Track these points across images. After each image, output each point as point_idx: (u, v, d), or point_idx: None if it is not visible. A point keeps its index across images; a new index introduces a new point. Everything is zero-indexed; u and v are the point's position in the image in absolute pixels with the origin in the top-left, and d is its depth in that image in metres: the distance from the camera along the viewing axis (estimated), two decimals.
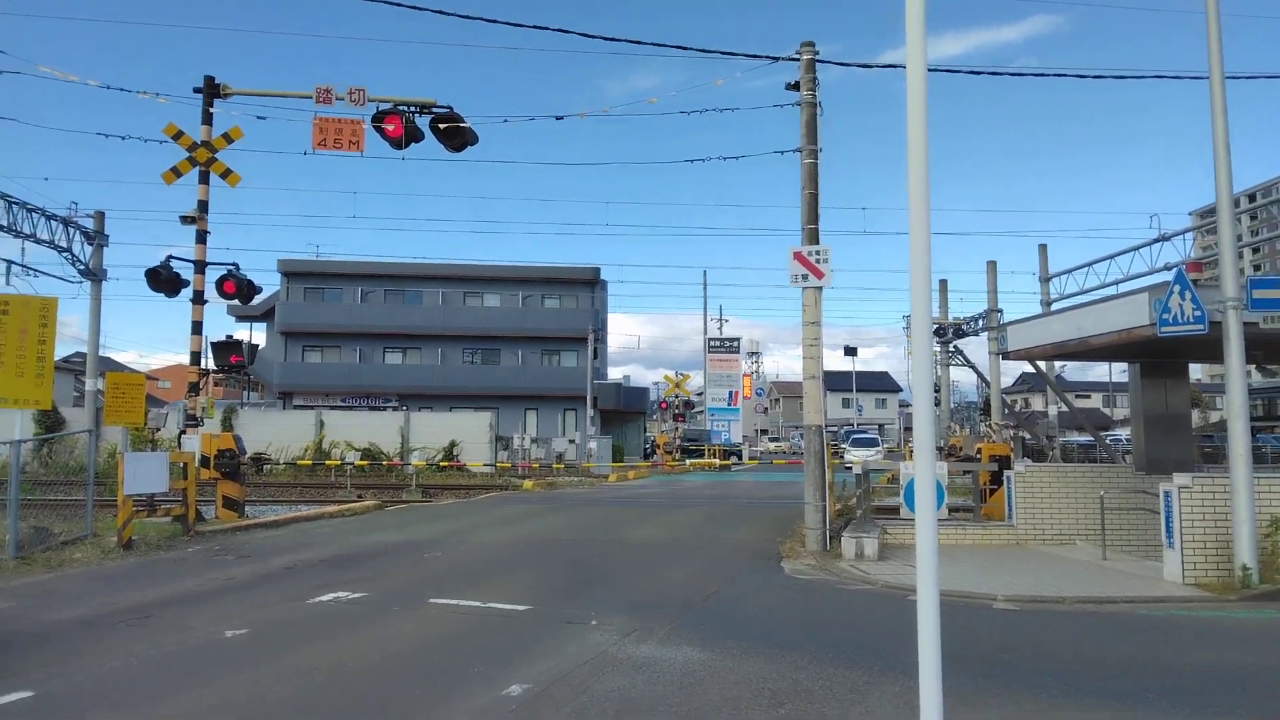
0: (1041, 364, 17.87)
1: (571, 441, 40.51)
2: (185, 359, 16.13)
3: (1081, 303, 14.29)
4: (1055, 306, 24.12)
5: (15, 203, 19.97)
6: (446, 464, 31.15)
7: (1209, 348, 10.08)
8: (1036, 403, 66.91)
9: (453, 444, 32.39)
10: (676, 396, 46.54)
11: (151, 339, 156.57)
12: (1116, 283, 21.13)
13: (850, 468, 19.32)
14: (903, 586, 9.38)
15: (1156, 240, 20.14)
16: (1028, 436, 32.72)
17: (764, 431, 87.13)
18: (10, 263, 21.24)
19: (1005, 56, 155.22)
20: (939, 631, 3.38)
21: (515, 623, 7.71)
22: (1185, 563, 9.53)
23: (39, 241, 21.15)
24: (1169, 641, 7.53)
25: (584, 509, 19.08)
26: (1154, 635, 7.73)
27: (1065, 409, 31.78)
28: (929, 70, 3.65)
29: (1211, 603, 8.87)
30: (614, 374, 54.91)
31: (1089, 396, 74.11)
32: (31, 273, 21.94)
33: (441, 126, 14.95)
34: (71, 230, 22.49)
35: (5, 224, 19.58)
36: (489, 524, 15.80)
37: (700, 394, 55.04)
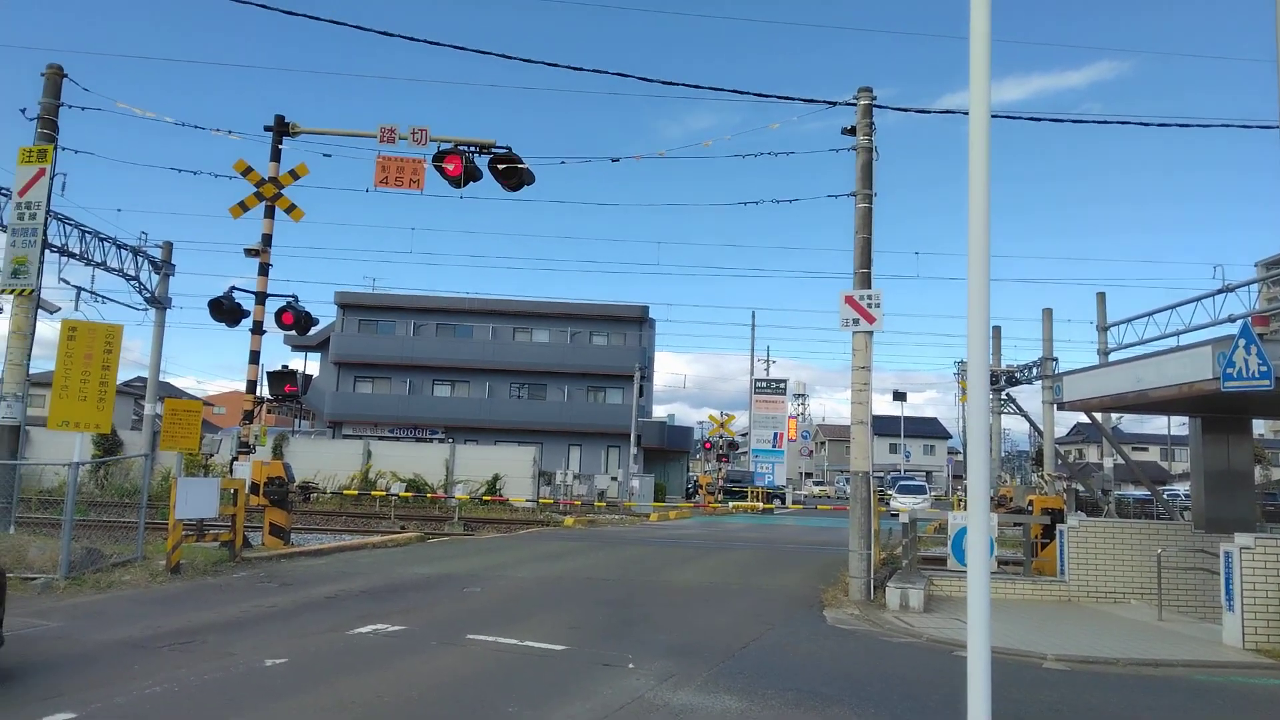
0: (1098, 415, 17.44)
1: (614, 479, 40.42)
2: (241, 386, 16.50)
3: (1141, 354, 13.96)
4: (1113, 356, 23.59)
5: (88, 232, 20.73)
6: (489, 498, 31.26)
7: (1274, 404, 9.77)
8: (1091, 454, 65.20)
9: (496, 477, 32.52)
10: (721, 437, 46.27)
11: (210, 365, 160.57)
12: (1178, 334, 20.64)
13: (896, 515, 18.97)
14: (949, 641, 9.13)
15: (1220, 291, 19.64)
16: (1081, 489, 31.85)
17: (808, 475, 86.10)
18: (80, 289, 22.01)
19: (1068, 102, 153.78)
20: (989, 691, 3.27)
21: (552, 662, 7.65)
22: (1246, 627, 9.15)
23: (109, 270, 21.89)
24: (1228, 710, 7.21)
25: (625, 548, 18.97)
26: (1212, 703, 7.41)
27: (1121, 462, 30.91)
28: (992, 116, 3.63)
29: (1273, 670, 8.48)
30: (659, 412, 54.91)
31: (1146, 449, 72.10)
32: (100, 299, 22.71)
33: (500, 167, 15.22)
34: (140, 259, 23.25)
35: (77, 252, 20.31)
36: (529, 560, 15.79)
37: (745, 435, 54.68)
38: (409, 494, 30.67)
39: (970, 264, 3.45)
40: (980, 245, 3.44)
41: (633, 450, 42.56)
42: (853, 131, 13.26)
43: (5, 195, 16.64)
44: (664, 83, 13.94)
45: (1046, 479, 30.45)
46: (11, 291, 14.05)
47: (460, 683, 6.83)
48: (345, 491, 31.05)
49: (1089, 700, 7.23)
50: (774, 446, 50.09)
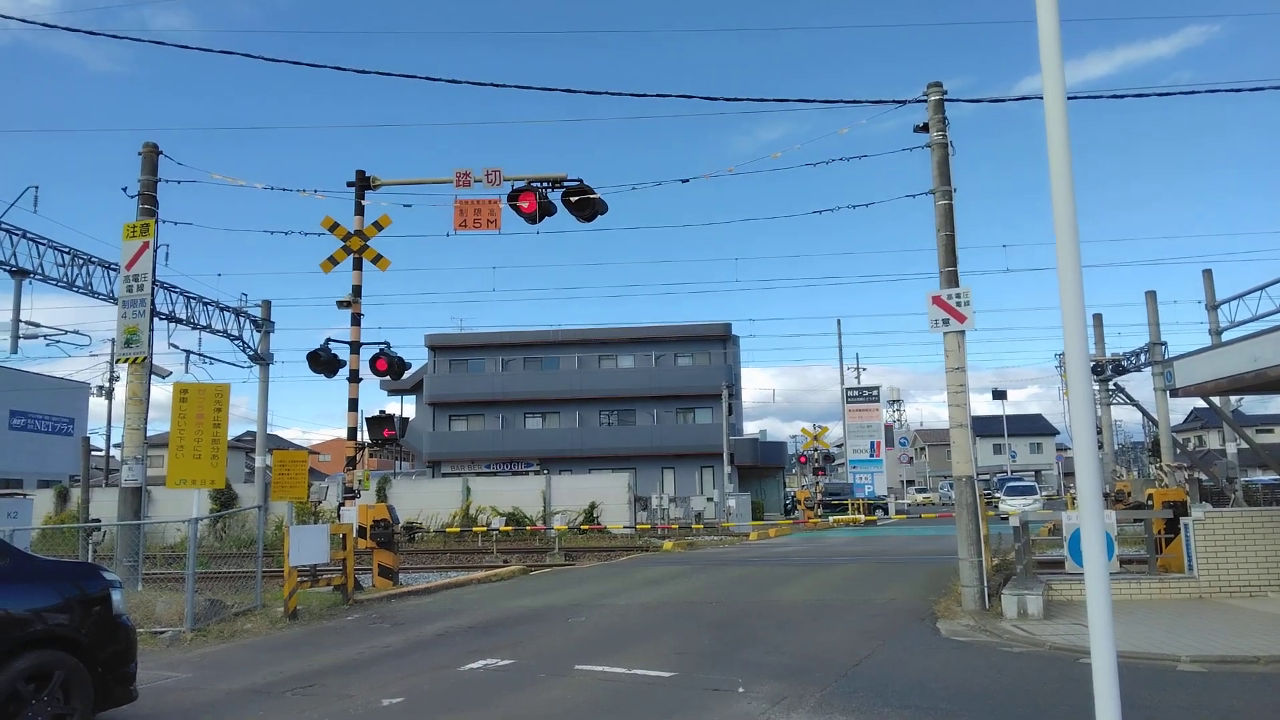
0: (1216, 399, 16.54)
1: (710, 500, 40.17)
2: (343, 433, 17.02)
3: (1257, 330, 13.18)
4: (1226, 335, 22.40)
5: (193, 297, 21.85)
6: (587, 526, 31.44)
7: None
8: (1212, 440, 61.80)
9: (592, 506, 32.71)
10: (815, 449, 45.51)
11: (313, 415, 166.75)
12: None
13: (1006, 518, 18.29)
14: (1073, 648, 8.72)
15: None
16: (1204, 478, 30.12)
17: (909, 482, 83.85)
18: (189, 352, 23.21)
19: (1157, 72, 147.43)
20: (1118, 697, 3.10)
21: (660, 690, 7.60)
22: None
23: (214, 331, 23.00)
24: None
25: (726, 569, 18.79)
26: None
27: (1245, 446, 29.19)
28: (1069, 99, 3.51)
29: None
30: (750, 429, 54.43)
31: (1272, 430, 67.92)
32: (207, 360, 23.88)
33: (573, 199, 15.41)
34: (242, 319, 24.37)
35: (184, 317, 21.41)
36: (631, 587, 15.78)
37: (840, 446, 53.63)
38: (509, 528, 31.10)
39: (1059, 251, 3.32)
40: (1068, 231, 3.31)
41: (726, 469, 42.26)
42: (925, 129, 12.99)
43: (115, 270, 17.67)
44: (727, 99, 13.90)
45: (1165, 470, 28.95)
46: (126, 360, 14.86)
47: (570, 713, 6.85)
48: (448, 529, 31.68)
49: (1229, 702, 6.80)
50: (871, 456, 48.98)
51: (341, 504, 16.64)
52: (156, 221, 15.11)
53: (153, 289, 15.11)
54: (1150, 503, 16.11)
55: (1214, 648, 8.60)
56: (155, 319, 16.46)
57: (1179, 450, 34.98)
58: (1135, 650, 8.45)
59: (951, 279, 12.49)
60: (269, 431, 30.05)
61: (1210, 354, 13.13)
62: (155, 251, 15.00)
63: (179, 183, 15.71)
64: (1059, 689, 7.28)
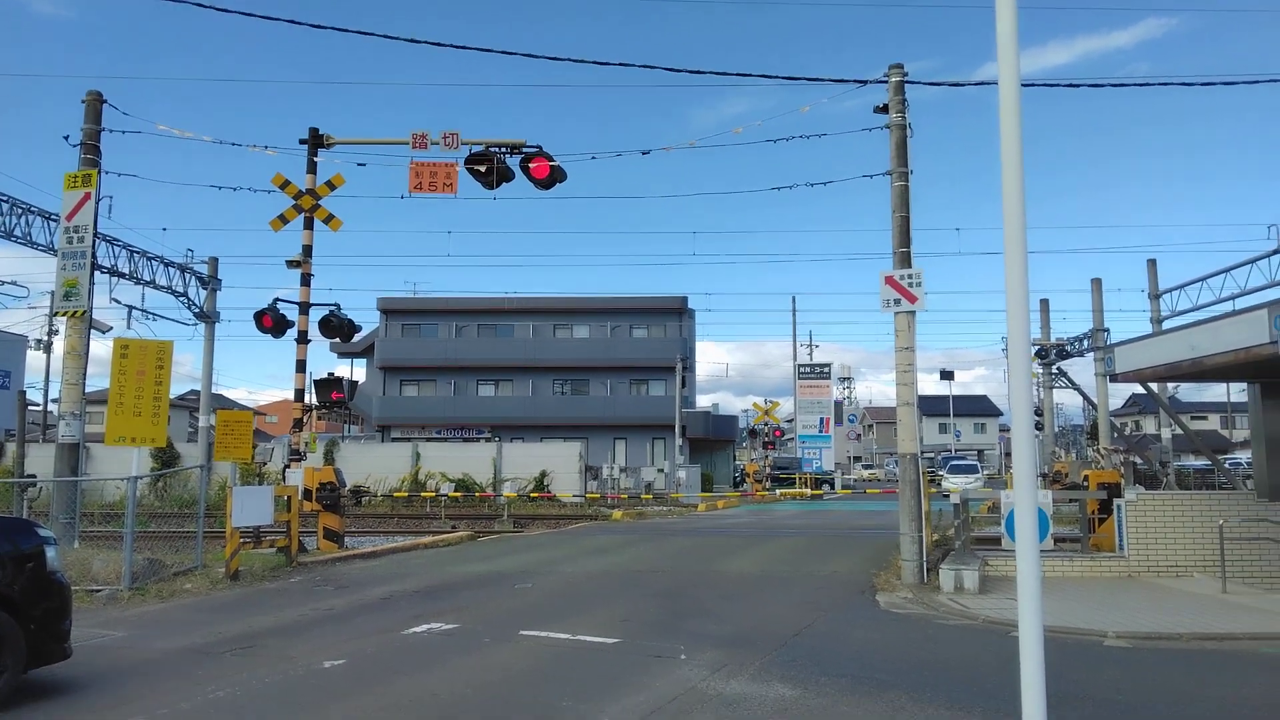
0: (1153, 385, 17.03)
1: (660, 471, 40.45)
2: (291, 395, 16.77)
3: (1195, 320, 13.58)
4: (1167, 324, 23.03)
5: (136, 251, 21.21)
6: (537, 494, 31.47)
7: None
8: (1148, 425, 63.71)
9: (543, 474, 32.73)
10: (766, 424, 46.03)
11: (260, 375, 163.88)
12: (1233, 297, 20.08)
13: (948, 496, 18.71)
14: (1006, 621, 8.99)
15: (1276, 252, 19.05)
16: (1139, 461, 31.10)
17: (857, 459, 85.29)
18: (131, 308, 22.54)
19: (1116, 63, 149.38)
20: (1043, 669, 3.21)
21: (604, 656, 7.68)
22: None
23: (158, 287, 22.37)
24: None
25: (673, 539, 18.97)
26: None
27: (1179, 432, 30.16)
28: (1024, 85, 3.55)
29: None
30: (703, 402, 54.76)
31: (1205, 418, 70.26)
32: (150, 316, 23.24)
33: (531, 166, 15.27)
34: (187, 276, 23.74)
35: (126, 272, 20.79)
36: (579, 555, 15.86)
37: (790, 421, 54.33)
38: (458, 494, 31.01)
39: (1006, 235, 3.38)
40: (1016, 215, 3.37)
41: (678, 441, 42.53)
42: (885, 109, 13.07)
43: (54, 220, 17.10)
44: (690, 71, 13.81)
45: (1102, 453, 29.80)
46: (65, 314, 14.43)
47: (514, 679, 6.89)
48: (396, 494, 31.49)
49: (1152, 677, 7.08)
50: (820, 432, 49.74)
51: (287, 466, 16.44)
52: (99, 172, 14.63)
53: (94, 241, 14.66)
54: (1086, 484, 16.58)
55: (1140, 624, 8.92)
56: (97, 272, 15.98)
57: (1116, 434, 36.02)
58: (1065, 625, 8.74)
59: (905, 260, 12.64)
60: (214, 391, 29.47)
61: (1150, 341, 13.50)
62: (98, 203, 14.52)
63: (124, 133, 15.23)
64: (990, 661, 7.50)
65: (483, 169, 15.21)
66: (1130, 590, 11.14)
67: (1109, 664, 7.47)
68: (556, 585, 12.08)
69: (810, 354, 56.15)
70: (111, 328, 21.01)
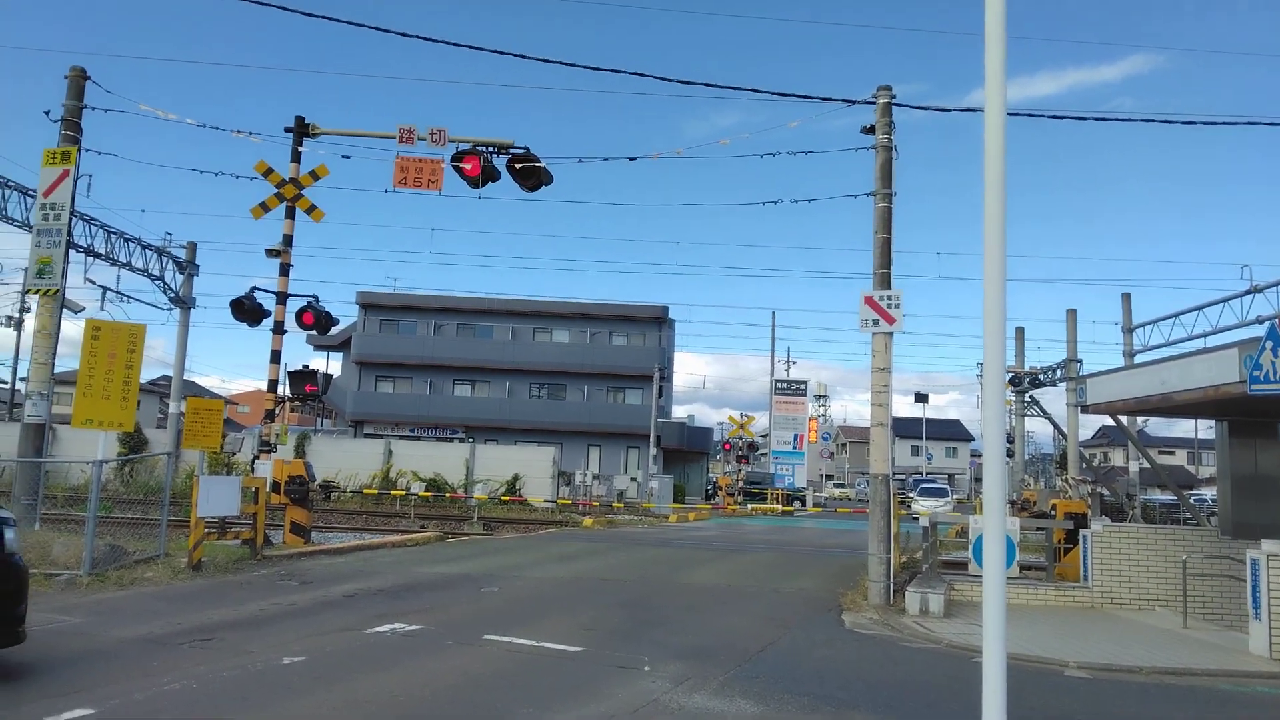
0: (1123, 418, 17.22)
1: (633, 479, 40.40)
2: (264, 385, 16.59)
3: (1167, 356, 13.76)
4: (1139, 358, 23.29)
5: (114, 232, 20.94)
6: (509, 498, 31.33)
7: None
8: (1116, 458, 64.46)
9: (516, 478, 32.60)
10: (740, 438, 46.11)
11: (234, 364, 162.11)
12: (1204, 335, 20.32)
13: (917, 518, 18.82)
14: (969, 647, 9.03)
15: (1248, 292, 19.32)
16: (1106, 493, 31.45)
17: (829, 477, 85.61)
18: (106, 289, 22.24)
19: (1102, 97, 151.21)
20: (1005, 697, 3.23)
21: (567, 664, 7.64)
22: (1273, 636, 8.98)
23: (134, 270, 22.09)
24: None
25: (643, 549, 18.94)
26: (1236, 713, 7.29)
27: (1147, 466, 30.51)
28: (1010, 115, 3.58)
29: None
30: (679, 413, 54.88)
31: (1173, 453, 71.22)
32: (125, 299, 22.93)
33: (518, 167, 15.23)
34: (165, 259, 23.46)
35: (103, 252, 20.52)
36: (547, 560, 15.79)
37: (765, 436, 54.45)
38: (429, 494, 30.80)
39: (986, 261, 3.41)
40: (996, 242, 3.39)
41: (652, 451, 42.53)
42: (872, 130, 13.16)
43: (31, 196, 16.86)
44: (681, 81, 13.84)
45: (1071, 483, 30.11)
46: (37, 291, 14.22)
47: (475, 683, 6.83)
48: (366, 490, 31.23)
49: (1109, 709, 7.13)
50: (794, 448, 49.89)
51: (256, 457, 16.26)
52: (79, 149, 14.45)
53: (70, 219, 14.46)
54: (1054, 513, 16.74)
55: (1101, 655, 8.99)
56: (72, 251, 15.76)
57: (1085, 465, 36.38)
58: (1027, 653, 8.79)
59: (885, 281, 12.72)
60: (186, 378, 29.14)
61: (1122, 374, 13.67)
62: (76, 181, 14.35)
63: (106, 111, 15.04)
64: (951, 685, 7.53)
65: (469, 167, 15.16)
66: (1093, 621, 11.24)
67: (1068, 694, 7.52)
68: (523, 590, 12.01)
69: (788, 370, 56.33)
70: (85, 308, 20.78)
